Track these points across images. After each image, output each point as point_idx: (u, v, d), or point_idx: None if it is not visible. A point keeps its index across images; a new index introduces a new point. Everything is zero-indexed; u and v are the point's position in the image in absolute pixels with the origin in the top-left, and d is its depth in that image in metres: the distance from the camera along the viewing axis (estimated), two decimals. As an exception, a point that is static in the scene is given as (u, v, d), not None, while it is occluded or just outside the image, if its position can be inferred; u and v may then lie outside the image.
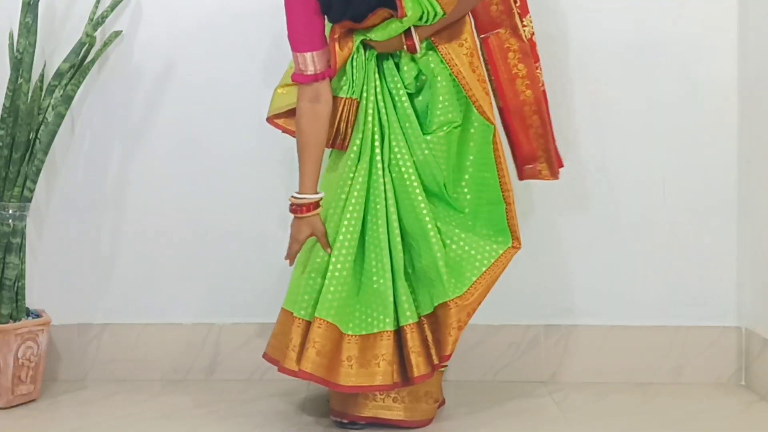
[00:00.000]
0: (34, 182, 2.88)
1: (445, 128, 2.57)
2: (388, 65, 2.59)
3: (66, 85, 2.92)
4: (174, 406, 2.84)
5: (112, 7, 2.99)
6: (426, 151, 2.55)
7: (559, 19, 3.05)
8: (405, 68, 2.58)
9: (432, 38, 2.57)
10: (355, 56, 2.55)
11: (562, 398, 2.92)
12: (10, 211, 2.85)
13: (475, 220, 2.62)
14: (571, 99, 3.06)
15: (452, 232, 2.58)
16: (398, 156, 2.56)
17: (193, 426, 2.69)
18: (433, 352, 2.54)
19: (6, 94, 2.87)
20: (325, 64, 2.52)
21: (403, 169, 2.56)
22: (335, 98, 2.57)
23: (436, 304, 2.53)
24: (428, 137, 2.56)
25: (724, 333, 3.06)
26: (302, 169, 2.56)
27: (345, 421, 2.63)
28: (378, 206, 2.55)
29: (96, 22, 2.96)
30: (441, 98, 2.56)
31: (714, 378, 3.05)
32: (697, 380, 3.05)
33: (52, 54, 3.02)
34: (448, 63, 2.55)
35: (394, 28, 2.50)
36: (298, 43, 2.51)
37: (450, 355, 2.53)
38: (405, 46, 2.54)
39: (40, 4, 2.89)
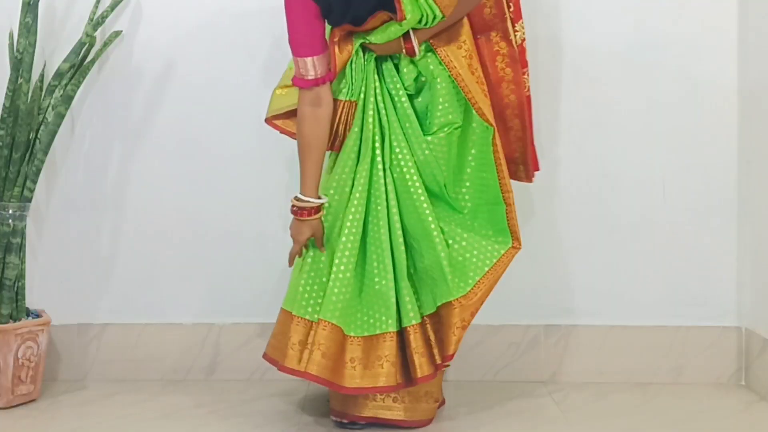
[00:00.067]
0: (34, 182, 2.89)
1: (445, 129, 2.57)
2: (388, 66, 2.59)
3: (66, 85, 2.92)
4: (174, 406, 2.84)
5: (112, 7, 2.99)
6: (426, 152, 2.56)
7: (560, 19, 3.05)
8: (405, 70, 2.58)
9: (431, 40, 2.57)
10: (354, 59, 2.56)
11: (562, 398, 2.92)
12: (10, 211, 2.85)
13: (474, 220, 2.63)
14: (571, 99, 3.07)
15: (454, 231, 2.58)
16: (399, 156, 2.57)
17: (193, 426, 2.69)
18: (436, 352, 2.55)
19: (6, 94, 2.87)
20: (326, 68, 2.53)
21: (404, 169, 2.56)
22: (335, 101, 2.58)
23: (439, 304, 2.54)
24: (429, 138, 2.56)
25: (724, 333, 3.06)
26: (304, 172, 2.56)
27: (345, 421, 2.64)
28: (379, 207, 2.56)
29: (96, 22, 2.96)
30: (441, 100, 2.56)
31: (714, 378, 3.05)
32: (697, 380, 3.05)
33: (52, 54, 3.02)
34: (446, 65, 2.56)
35: (394, 30, 2.51)
36: (299, 48, 2.52)
37: (453, 355, 2.54)
38: (404, 50, 2.55)
39: (40, 4, 2.89)
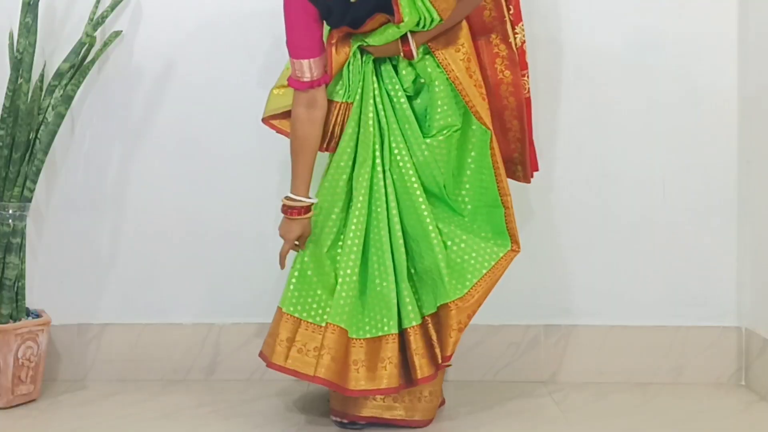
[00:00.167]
0: (34, 182, 2.89)
1: (445, 132, 2.57)
2: (386, 68, 2.59)
3: (66, 85, 2.92)
4: (174, 406, 2.84)
5: (112, 7, 2.99)
6: (426, 152, 2.56)
7: (560, 20, 3.05)
8: (403, 72, 2.59)
9: (429, 43, 2.57)
10: (351, 61, 2.56)
11: (562, 398, 2.92)
12: (10, 211, 2.85)
13: (474, 222, 2.63)
14: (571, 99, 3.07)
15: (453, 233, 2.59)
16: (398, 158, 2.57)
17: (193, 426, 2.69)
18: (437, 352, 2.55)
19: (6, 94, 2.87)
20: (322, 70, 2.53)
21: (403, 170, 2.57)
22: (331, 102, 2.59)
23: (439, 304, 2.54)
24: (428, 140, 2.57)
25: (724, 333, 3.06)
26: (295, 172, 2.58)
27: (345, 421, 2.64)
28: (379, 209, 2.56)
29: (96, 22, 2.96)
30: (440, 102, 2.56)
31: (714, 378, 3.05)
32: (697, 380, 3.05)
33: (52, 54, 3.02)
34: (444, 68, 2.56)
35: (391, 33, 2.51)
36: (296, 50, 2.52)
37: (450, 356, 2.54)
38: (402, 52, 2.55)
39: (40, 4, 2.89)
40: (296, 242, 2.62)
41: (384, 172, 2.58)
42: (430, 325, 2.56)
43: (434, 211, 2.59)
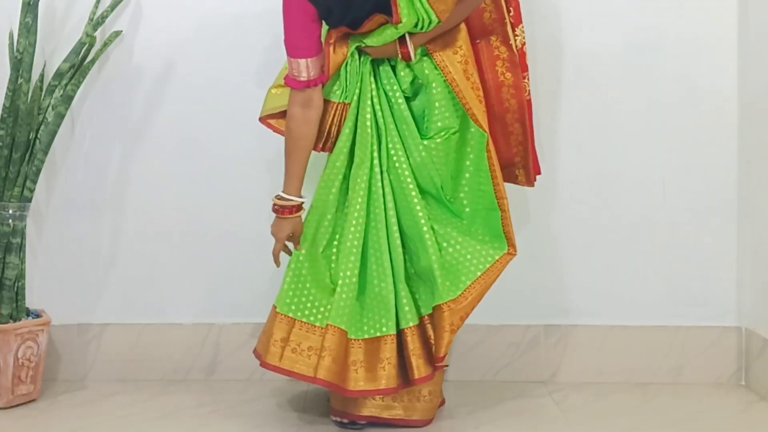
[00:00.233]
0: (34, 182, 2.89)
1: (442, 134, 2.58)
2: (384, 68, 2.60)
3: (66, 85, 2.92)
4: (174, 406, 2.84)
5: (112, 7, 2.99)
6: (423, 153, 2.56)
7: (560, 20, 3.05)
8: (402, 73, 2.59)
9: (427, 45, 2.57)
10: (349, 61, 2.57)
11: (562, 398, 2.92)
12: (10, 211, 2.85)
13: (472, 225, 2.63)
14: (572, 99, 3.07)
15: (449, 234, 2.58)
16: (394, 158, 2.57)
17: (193, 426, 2.69)
18: (434, 352, 2.55)
19: (6, 94, 2.87)
20: (319, 70, 2.54)
21: (399, 171, 2.57)
22: (328, 102, 2.59)
23: (433, 305, 2.54)
24: (425, 142, 2.57)
25: (724, 333, 3.06)
26: (288, 171, 2.59)
27: (345, 420, 2.64)
28: (377, 210, 2.57)
29: (96, 22, 2.96)
30: (437, 104, 2.57)
31: (714, 378, 3.05)
32: (697, 380, 3.05)
33: (52, 54, 3.02)
34: (442, 70, 2.56)
35: (390, 34, 2.51)
36: (294, 49, 2.53)
37: (443, 357, 2.54)
38: (399, 54, 2.55)
39: (40, 4, 2.89)
40: (289, 241, 2.62)
41: (382, 173, 2.58)
42: (428, 325, 2.57)
43: (432, 213, 2.59)
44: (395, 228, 2.57)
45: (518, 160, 2.74)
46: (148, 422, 2.72)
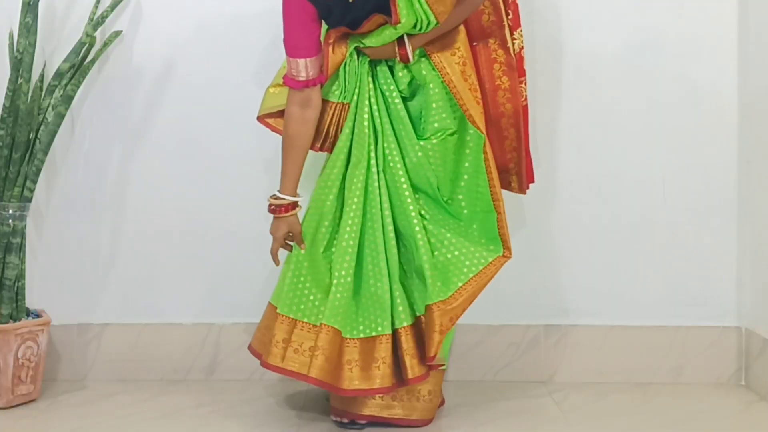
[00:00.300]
0: (34, 182, 2.89)
1: (439, 135, 2.57)
2: (382, 69, 2.60)
3: (66, 85, 2.92)
4: (174, 406, 2.84)
5: (112, 7, 2.99)
6: (419, 154, 2.56)
7: (560, 20, 3.05)
8: (400, 74, 2.59)
9: (425, 46, 2.57)
10: (348, 61, 2.57)
11: (562, 398, 2.92)
12: (10, 211, 2.85)
13: (469, 227, 2.62)
14: (571, 99, 3.07)
15: (443, 235, 2.58)
16: (388, 158, 2.57)
17: (193, 426, 2.69)
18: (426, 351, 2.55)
19: (6, 94, 2.87)
20: (318, 70, 2.54)
21: (394, 171, 2.57)
22: (327, 102, 2.60)
23: (424, 305, 2.54)
24: (422, 143, 2.57)
25: (724, 333, 3.06)
26: (284, 170, 2.60)
27: (345, 420, 2.64)
28: (374, 210, 2.57)
29: (96, 22, 2.96)
30: (434, 105, 2.57)
31: (714, 378, 3.05)
32: (697, 380, 3.05)
33: (52, 54, 3.02)
34: (440, 71, 2.56)
35: (389, 34, 2.51)
36: (293, 49, 2.53)
37: (433, 357, 2.53)
38: (398, 55, 2.55)
39: (40, 4, 2.89)
40: (287, 241, 2.63)
41: (378, 173, 2.58)
42: (424, 324, 2.56)
43: (428, 213, 2.59)
44: (390, 228, 2.57)
45: (512, 167, 2.74)
46: (148, 422, 2.72)
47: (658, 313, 3.08)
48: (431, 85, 2.57)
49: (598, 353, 3.07)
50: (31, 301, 2.98)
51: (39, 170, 2.89)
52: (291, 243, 2.64)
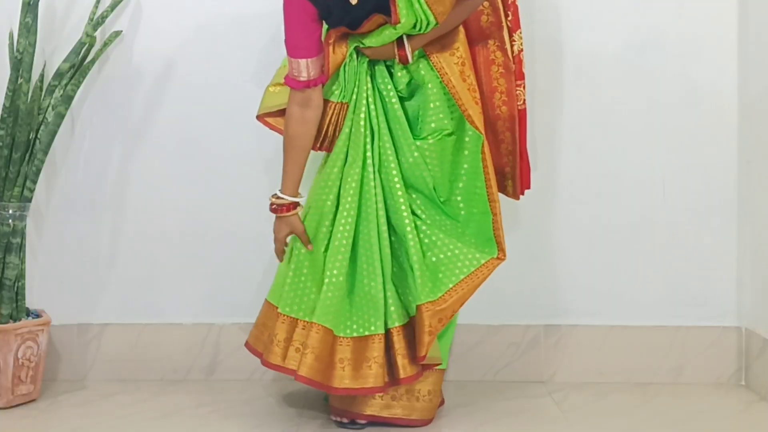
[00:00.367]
0: (34, 182, 2.89)
1: (436, 135, 2.57)
2: (380, 68, 2.60)
3: (66, 85, 2.92)
4: (174, 406, 2.84)
5: (112, 7, 2.99)
6: (416, 154, 2.56)
7: (560, 20, 3.05)
8: (399, 74, 2.59)
9: (424, 47, 2.57)
10: (348, 61, 2.57)
11: (562, 398, 2.92)
12: (10, 211, 2.85)
13: (467, 228, 2.62)
14: (572, 99, 3.07)
15: (436, 236, 2.57)
16: (383, 158, 2.57)
17: (193, 426, 2.69)
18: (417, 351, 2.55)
19: (6, 94, 2.87)
20: (319, 70, 2.54)
21: (388, 170, 2.57)
22: (326, 102, 2.60)
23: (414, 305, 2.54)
24: (418, 143, 2.57)
25: (724, 333, 3.06)
26: (285, 170, 2.60)
27: (345, 420, 2.64)
28: (369, 209, 2.57)
29: (96, 22, 2.96)
30: (432, 105, 2.57)
31: (714, 378, 3.05)
32: (697, 380, 3.05)
33: (52, 54, 3.02)
34: (438, 71, 2.56)
35: (388, 34, 2.51)
36: (294, 49, 2.53)
37: (423, 357, 2.53)
38: (397, 57, 2.55)
39: (40, 4, 2.89)
40: (287, 241, 2.63)
41: (374, 172, 2.58)
42: (415, 325, 2.56)
43: (424, 213, 2.59)
44: (385, 228, 2.57)
45: (508, 171, 2.73)
46: (148, 422, 2.72)
47: (658, 313, 3.08)
48: (429, 85, 2.57)
49: (598, 353, 3.07)
50: (31, 301, 2.98)
51: (39, 170, 2.89)
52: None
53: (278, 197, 2.60)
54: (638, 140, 3.07)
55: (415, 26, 2.49)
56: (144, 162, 3.09)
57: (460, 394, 2.92)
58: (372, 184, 2.57)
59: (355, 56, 2.58)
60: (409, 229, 2.54)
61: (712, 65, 3.06)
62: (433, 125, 2.57)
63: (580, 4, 3.05)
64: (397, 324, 2.55)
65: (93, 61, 2.98)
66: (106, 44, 3.02)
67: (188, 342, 3.09)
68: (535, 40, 2.99)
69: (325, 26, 2.57)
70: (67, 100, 2.91)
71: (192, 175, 3.09)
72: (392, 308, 2.55)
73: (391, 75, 2.59)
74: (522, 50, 2.69)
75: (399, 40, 2.53)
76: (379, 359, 2.52)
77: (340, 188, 2.59)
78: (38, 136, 2.89)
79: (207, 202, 3.09)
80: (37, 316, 2.92)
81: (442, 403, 2.78)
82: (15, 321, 2.84)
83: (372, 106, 2.58)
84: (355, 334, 2.54)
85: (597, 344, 3.07)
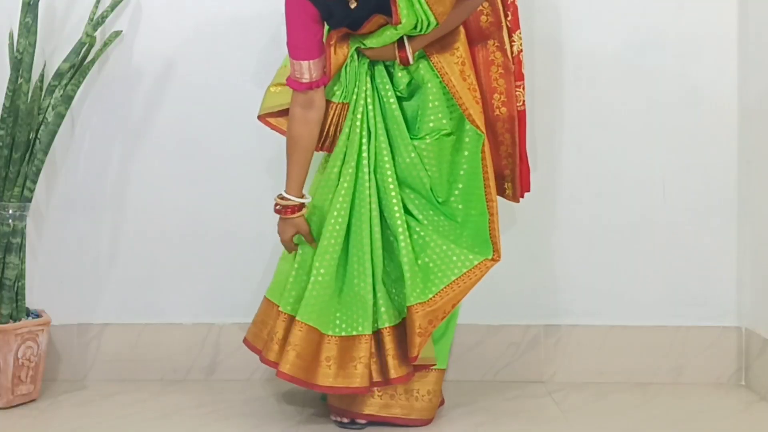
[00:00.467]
0: (34, 182, 2.89)
1: (433, 135, 2.57)
2: (379, 69, 2.60)
3: (66, 85, 2.92)
4: (174, 406, 2.84)
5: (112, 7, 2.99)
6: (413, 154, 2.56)
7: (560, 20, 3.05)
8: (399, 75, 2.59)
9: (424, 48, 2.57)
10: (348, 62, 2.57)
11: (562, 398, 2.92)
12: (10, 211, 2.85)
13: (462, 229, 2.62)
14: (572, 99, 3.07)
15: (430, 237, 2.57)
16: (378, 159, 2.57)
17: (193, 426, 2.69)
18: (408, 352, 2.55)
19: (6, 94, 2.87)
20: (321, 72, 2.54)
21: (383, 171, 2.57)
22: (328, 102, 2.60)
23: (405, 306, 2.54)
24: (416, 143, 2.57)
25: (724, 333, 3.06)
26: (289, 171, 2.60)
27: (345, 420, 2.64)
28: (362, 210, 2.56)
29: (96, 22, 2.96)
30: (431, 105, 2.57)
31: (714, 378, 3.05)
32: (697, 380, 3.05)
33: (52, 54, 3.02)
34: (438, 71, 2.56)
35: (389, 35, 2.52)
36: (296, 51, 2.53)
37: (415, 358, 2.53)
38: (398, 58, 2.55)
39: (40, 4, 2.89)
40: (294, 242, 2.63)
41: (370, 172, 2.57)
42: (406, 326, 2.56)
43: (421, 213, 2.59)
44: (377, 228, 2.56)
45: (507, 173, 2.73)
46: (148, 422, 2.72)
47: (658, 313, 3.08)
48: (429, 85, 2.57)
49: (598, 353, 3.07)
50: (31, 301, 2.98)
51: (39, 170, 2.89)
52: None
53: (284, 198, 2.60)
54: (638, 140, 3.07)
55: (415, 27, 2.49)
56: (144, 162, 3.09)
57: (460, 394, 2.92)
58: (367, 184, 2.57)
59: (356, 57, 2.58)
60: (401, 230, 2.54)
61: (712, 65, 3.06)
62: (431, 124, 2.57)
63: (580, 4, 3.06)
64: (387, 324, 2.55)
65: (93, 61, 2.98)
66: (106, 44, 3.02)
67: (188, 342, 3.09)
68: (535, 40, 2.99)
69: (326, 27, 2.57)
70: (67, 100, 2.91)
71: (192, 175, 3.09)
72: (382, 309, 2.55)
73: (391, 76, 2.60)
74: (521, 51, 2.69)
75: (400, 42, 2.54)
76: (364, 360, 2.52)
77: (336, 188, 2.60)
78: (38, 136, 2.89)
79: (207, 202, 3.09)
80: (37, 316, 2.92)
81: (442, 403, 2.78)
82: (15, 321, 2.84)
83: (370, 107, 2.58)
84: (342, 333, 2.54)
85: (597, 344, 3.07)
